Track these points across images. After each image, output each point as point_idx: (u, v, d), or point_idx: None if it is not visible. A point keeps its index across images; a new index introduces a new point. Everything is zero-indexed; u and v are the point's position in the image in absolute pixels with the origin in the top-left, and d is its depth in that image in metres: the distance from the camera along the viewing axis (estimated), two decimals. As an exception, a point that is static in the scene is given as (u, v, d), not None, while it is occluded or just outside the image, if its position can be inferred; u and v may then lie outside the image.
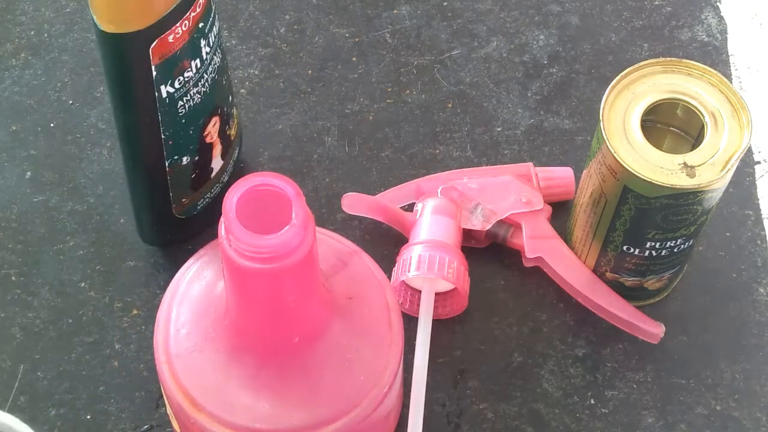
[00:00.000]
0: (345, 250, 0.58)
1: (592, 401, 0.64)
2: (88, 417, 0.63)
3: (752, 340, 0.66)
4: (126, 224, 0.69)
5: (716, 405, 0.64)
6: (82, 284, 0.67)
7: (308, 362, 0.54)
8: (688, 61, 0.60)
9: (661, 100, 0.60)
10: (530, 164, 0.69)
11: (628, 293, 0.65)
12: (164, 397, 0.57)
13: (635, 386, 0.64)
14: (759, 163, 0.72)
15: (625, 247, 0.62)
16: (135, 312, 0.66)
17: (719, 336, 0.66)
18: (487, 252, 0.67)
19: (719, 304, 0.67)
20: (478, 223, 0.66)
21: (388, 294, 0.57)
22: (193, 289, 0.56)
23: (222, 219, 0.48)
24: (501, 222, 0.67)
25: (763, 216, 0.70)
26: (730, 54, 0.77)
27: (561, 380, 0.64)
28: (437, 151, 0.72)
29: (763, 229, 0.70)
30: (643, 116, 0.59)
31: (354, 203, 0.68)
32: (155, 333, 0.56)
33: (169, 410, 0.58)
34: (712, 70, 0.60)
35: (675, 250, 0.61)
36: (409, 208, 0.68)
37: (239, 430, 0.53)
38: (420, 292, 0.63)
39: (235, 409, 0.53)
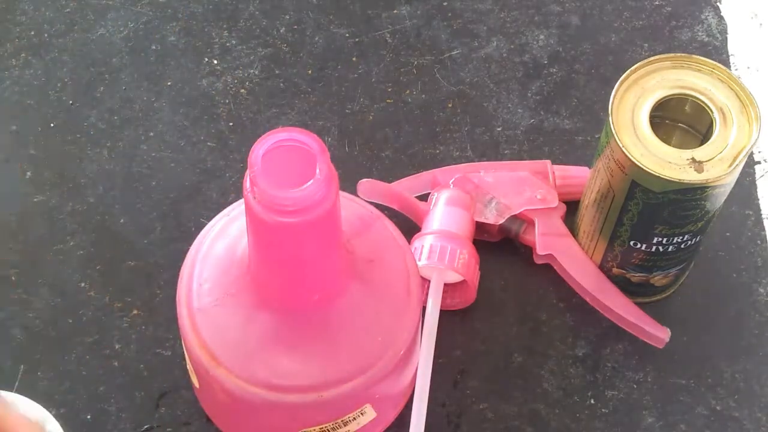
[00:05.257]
0: (368, 214, 0.59)
1: (592, 401, 0.64)
2: (88, 417, 0.63)
3: (752, 340, 0.66)
4: (126, 224, 0.69)
5: (716, 405, 0.64)
6: (82, 284, 0.67)
7: (327, 321, 0.55)
8: (697, 56, 0.60)
9: (670, 95, 0.60)
10: (548, 162, 0.69)
11: (634, 289, 0.65)
12: (185, 351, 0.58)
13: (635, 386, 0.64)
14: (759, 163, 0.72)
15: (632, 242, 0.62)
16: (135, 312, 0.66)
17: (719, 336, 0.66)
18: (489, 251, 0.67)
19: (719, 304, 0.67)
20: (492, 216, 0.66)
21: (408, 259, 0.58)
22: (217, 245, 0.57)
23: (247, 172, 0.48)
24: (514, 217, 0.67)
25: (763, 216, 0.70)
26: (730, 54, 0.77)
27: (561, 380, 0.64)
28: (437, 151, 0.72)
29: (763, 229, 0.70)
30: (651, 112, 0.59)
31: (369, 189, 0.68)
32: (178, 287, 0.56)
33: (189, 365, 0.59)
34: (721, 66, 0.60)
35: (682, 246, 0.61)
36: (424, 198, 0.68)
37: (256, 384, 0.54)
38: (429, 281, 0.63)
39: (253, 364, 0.54)
